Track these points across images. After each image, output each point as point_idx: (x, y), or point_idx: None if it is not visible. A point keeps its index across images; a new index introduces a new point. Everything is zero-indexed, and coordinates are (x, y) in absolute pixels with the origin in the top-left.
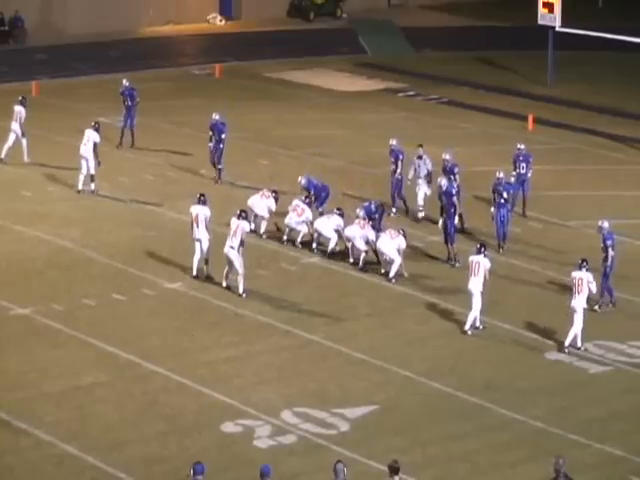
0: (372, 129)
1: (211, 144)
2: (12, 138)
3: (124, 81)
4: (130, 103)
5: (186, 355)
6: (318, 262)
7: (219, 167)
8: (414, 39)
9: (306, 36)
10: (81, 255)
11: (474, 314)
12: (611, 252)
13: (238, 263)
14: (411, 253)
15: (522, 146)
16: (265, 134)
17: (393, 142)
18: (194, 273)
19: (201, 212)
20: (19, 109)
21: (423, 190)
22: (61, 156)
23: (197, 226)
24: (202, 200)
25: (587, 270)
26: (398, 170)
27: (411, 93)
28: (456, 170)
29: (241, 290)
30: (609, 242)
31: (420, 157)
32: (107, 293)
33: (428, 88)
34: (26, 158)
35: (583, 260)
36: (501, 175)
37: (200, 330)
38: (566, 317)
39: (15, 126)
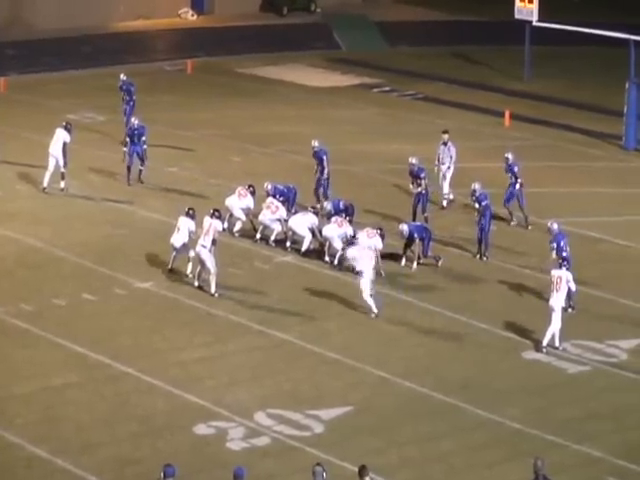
0: (346, 125)
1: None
2: None
3: (122, 75)
4: (128, 98)
5: (158, 355)
6: (292, 261)
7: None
8: (389, 34)
9: (279, 31)
10: (51, 254)
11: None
12: (560, 254)
13: (210, 263)
14: (387, 252)
15: (509, 155)
16: (238, 131)
17: (315, 143)
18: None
19: (214, 224)
20: None
21: (448, 176)
22: (30, 153)
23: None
24: (216, 215)
25: (567, 269)
26: (325, 170)
27: (386, 89)
28: (422, 175)
29: (213, 290)
30: (554, 244)
31: (445, 144)
32: (77, 293)
33: (403, 84)
34: None
35: (563, 259)
36: (476, 186)
37: (172, 330)
38: (544, 316)
39: None
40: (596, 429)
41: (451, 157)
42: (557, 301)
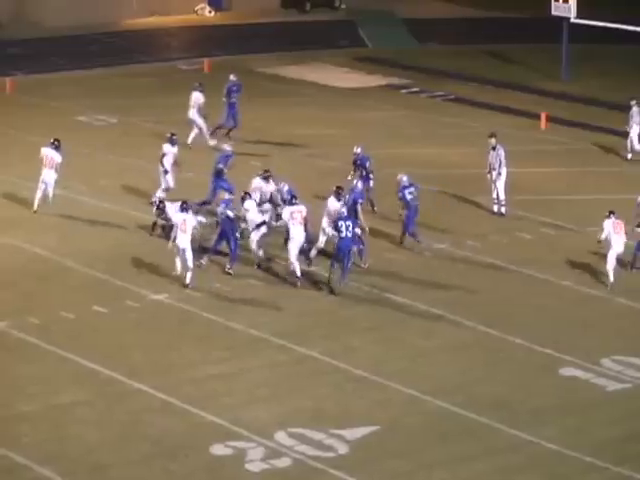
0: (372, 128)
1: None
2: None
3: (231, 76)
4: (234, 100)
5: (172, 371)
6: (315, 272)
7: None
8: (418, 31)
9: (302, 28)
10: (59, 264)
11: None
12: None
13: (189, 256)
14: (414, 262)
15: (358, 150)
16: (257, 133)
17: (358, 150)
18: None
19: (188, 220)
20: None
21: (502, 181)
22: (37, 158)
23: (184, 232)
24: (186, 208)
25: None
26: (372, 176)
27: (415, 89)
28: (367, 164)
29: (188, 281)
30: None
31: (494, 148)
32: (87, 305)
33: (433, 84)
34: None
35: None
36: (404, 178)
37: (187, 345)
38: (582, 331)
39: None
40: (637, 450)
41: (500, 161)
42: None
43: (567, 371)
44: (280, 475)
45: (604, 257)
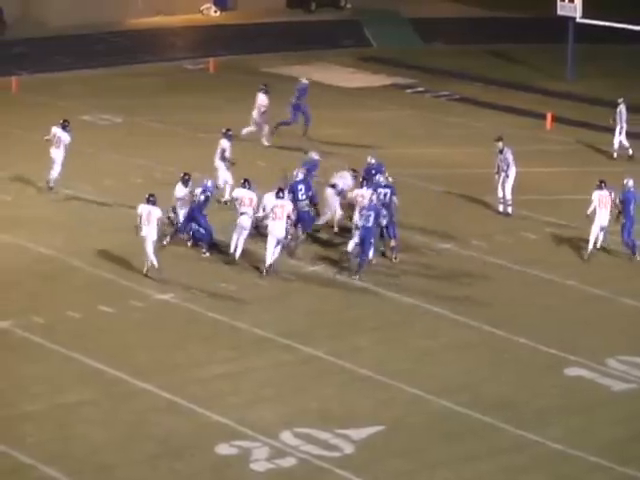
0: (377, 128)
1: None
2: None
3: (303, 79)
4: (298, 102)
5: (178, 371)
6: (321, 271)
7: None
8: (423, 31)
9: (307, 28)
10: (64, 263)
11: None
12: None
13: (149, 248)
14: (419, 262)
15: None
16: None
17: (372, 160)
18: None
19: (153, 212)
20: None
21: (509, 183)
22: (42, 157)
23: (148, 224)
24: (151, 200)
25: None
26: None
27: (420, 89)
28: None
29: (145, 270)
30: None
31: (501, 151)
32: (92, 305)
33: (438, 84)
34: None
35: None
36: (380, 179)
37: (193, 344)
38: (587, 331)
39: None
40: None
41: (508, 164)
42: None
43: (572, 371)
44: (285, 475)
45: (609, 252)
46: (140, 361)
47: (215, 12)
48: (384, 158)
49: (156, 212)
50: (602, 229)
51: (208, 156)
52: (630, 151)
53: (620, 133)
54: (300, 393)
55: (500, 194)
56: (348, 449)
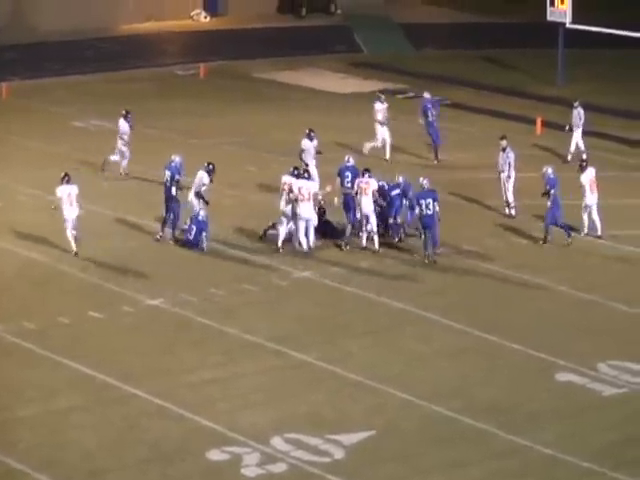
0: (369, 133)
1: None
2: None
3: (425, 94)
4: (431, 118)
5: (168, 376)
6: (311, 277)
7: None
8: (414, 36)
9: (298, 33)
10: (54, 269)
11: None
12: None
13: (70, 226)
14: (411, 266)
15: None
16: (254, 139)
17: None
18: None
19: (72, 191)
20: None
21: (510, 185)
22: (33, 163)
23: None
24: (67, 180)
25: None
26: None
27: (410, 94)
28: (410, 193)
29: (75, 249)
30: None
31: (504, 149)
32: (83, 310)
33: (429, 89)
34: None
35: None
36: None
37: (183, 349)
38: (579, 336)
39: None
40: (634, 455)
41: (510, 164)
42: None
43: (563, 376)
44: None
45: (600, 257)
46: (131, 366)
47: (205, 17)
48: (376, 164)
49: (74, 190)
50: (591, 208)
51: (199, 162)
52: (584, 155)
53: (578, 135)
54: (291, 398)
55: (505, 197)
56: (339, 454)
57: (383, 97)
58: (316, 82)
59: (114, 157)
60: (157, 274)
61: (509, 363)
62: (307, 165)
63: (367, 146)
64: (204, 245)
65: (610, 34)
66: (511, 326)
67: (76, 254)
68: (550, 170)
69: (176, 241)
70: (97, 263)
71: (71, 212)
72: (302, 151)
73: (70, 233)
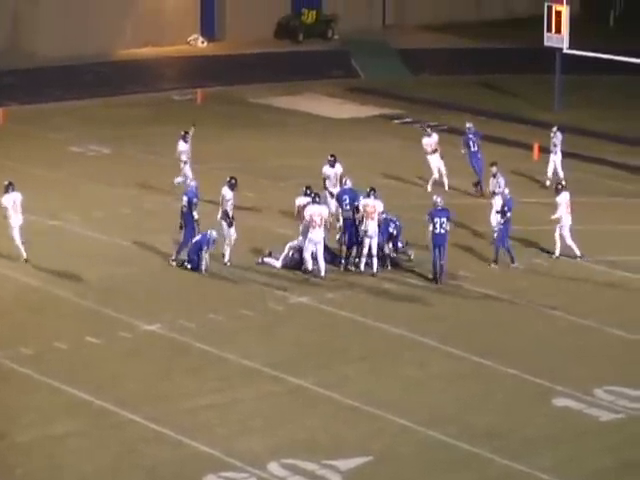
0: (366, 159)
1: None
2: None
3: (468, 124)
4: (474, 148)
5: (165, 402)
6: (307, 302)
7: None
8: (411, 61)
9: (295, 59)
10: (51, 294)
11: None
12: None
13: (17, 234)
14: (407, 292)
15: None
16: (251, 164)
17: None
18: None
19: (17, 199)
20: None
21: (495, 210)
22: (31, 188)
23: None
24: (11, 188)
25: None
26: None
27: (408, 120)
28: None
29: (25, 255)
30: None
31: (494, 176)
32: (80, 335)
33: (426, 114)
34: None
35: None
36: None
37: (180, 375)
38: (576, 361)
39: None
40: None
41: (501, 189)
42: None
43: (560, 401)
44: None
45: (594, 282)
46: (128, 392)
47: (202, 43)
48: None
49: (18, 198)
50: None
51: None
52: (564, 182)
53: (557, 160)
54: (288, 424)
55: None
56: None
57: (429, 130)
58: (313, 107)
59: (178, 179)
60: (153, 299)
61: (506, 388)
62: (331, 194)
63: (429, 182)
64: (202, 266)
65: (608, 60)
66: (507, 351)
67: (26, 261)
68: (507, 190)
69: (179, 264)
70: (94, 288)
71: (17, 220)
72: (325, 179)
73: (19, 240)
